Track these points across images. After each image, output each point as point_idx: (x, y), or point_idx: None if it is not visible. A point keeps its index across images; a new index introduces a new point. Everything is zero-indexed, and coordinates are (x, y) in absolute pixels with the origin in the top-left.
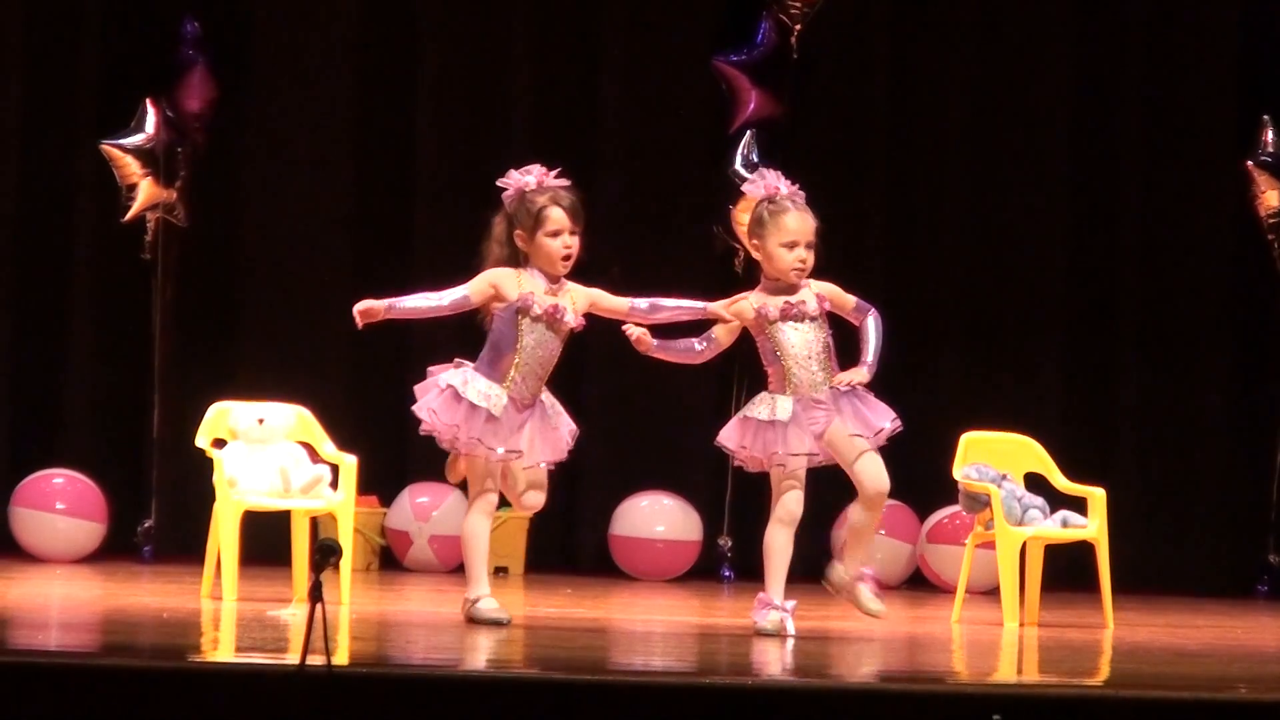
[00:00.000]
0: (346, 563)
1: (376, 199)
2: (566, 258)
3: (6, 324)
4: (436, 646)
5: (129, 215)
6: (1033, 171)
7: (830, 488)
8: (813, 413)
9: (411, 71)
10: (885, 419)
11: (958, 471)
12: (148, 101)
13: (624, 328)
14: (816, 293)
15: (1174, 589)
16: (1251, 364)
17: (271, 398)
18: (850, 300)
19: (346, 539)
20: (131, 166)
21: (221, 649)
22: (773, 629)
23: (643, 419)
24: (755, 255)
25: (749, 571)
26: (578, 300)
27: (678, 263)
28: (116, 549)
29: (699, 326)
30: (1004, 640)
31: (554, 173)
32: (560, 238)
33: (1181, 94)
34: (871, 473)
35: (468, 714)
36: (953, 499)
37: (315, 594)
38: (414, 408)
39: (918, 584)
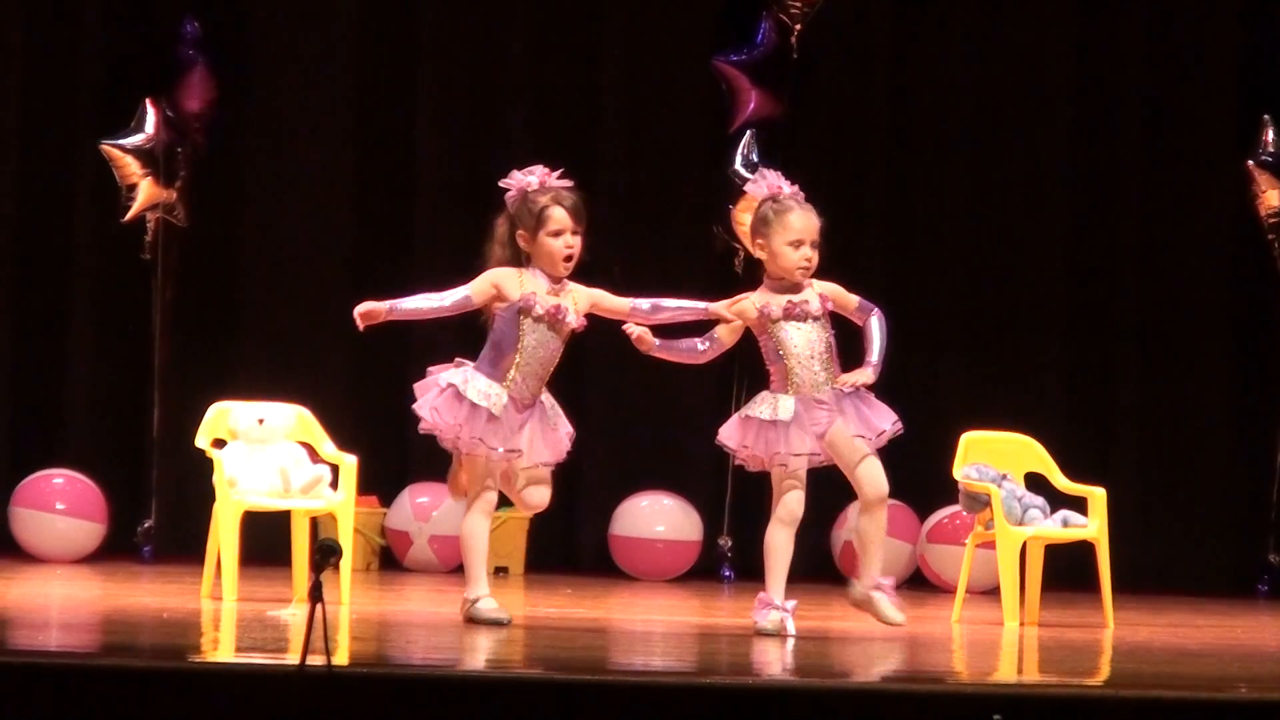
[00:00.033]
0: (346, 563)
1: (376, 199)
2: (568, 258)
3: (6, 324)
4: (436, 646)
5: (129, 215)
6: (1033, 171)
7: (831, 488)
8: (815, 413)
9: (411, 71)
10: (886, 421)
11: (958, 471)
12: (148, 101)
13: (624, 327)
14: (819, 292)
15: (1174, 589)
16: (1251, 364)
17: (271, 398)
18: (853, 300)
19: (346, 539)
20: (131, 166)
21: (221, 649)
22: (773, 629)
23: (643, 419)
24: (759, 254)
25: (749, 571)
26: (579, 300)
27: (678, 263)
28: (116, 549)
29: (701, 326)
30: (1004, 640)
31: (557, 173)
32: (562, 237)
33: (1181, 94)
34: (871, 477)
35: (468, 714)
36: (953, 499)
37: (315, 594)
38: (415, 406)
39: (918, 584)
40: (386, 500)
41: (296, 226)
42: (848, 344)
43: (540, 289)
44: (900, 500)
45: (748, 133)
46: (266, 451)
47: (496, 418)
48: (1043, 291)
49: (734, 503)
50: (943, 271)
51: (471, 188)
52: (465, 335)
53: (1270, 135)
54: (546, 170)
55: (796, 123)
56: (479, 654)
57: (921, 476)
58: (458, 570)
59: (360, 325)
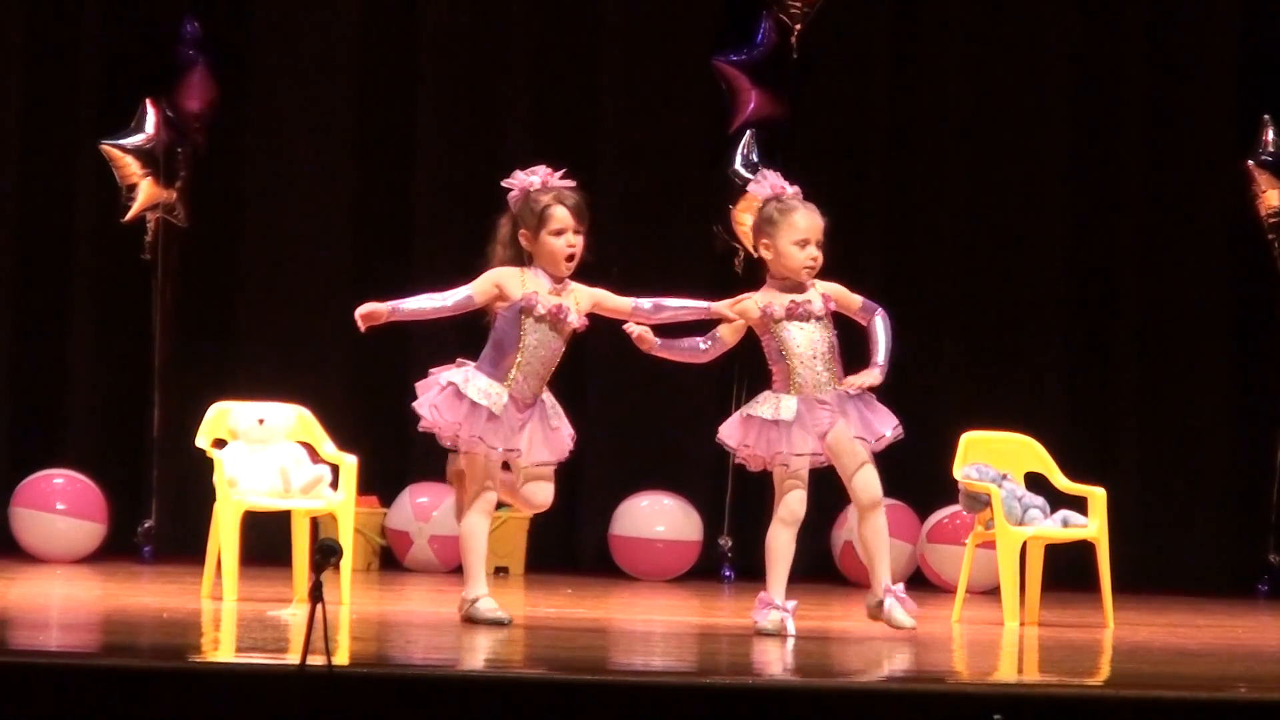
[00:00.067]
0: (346, 563)
1: (376, 199)
2: (570, 257)
3: (6, 324)
4: (436, 646)
5: (129, 215)
6: (1033, 171)
7: (831, 489)
8: (817, 413)
9: (411, 72)
10: (887, 426)
11: (958, 471)
12: (148, 101)
13: (625, 326)
14: (822, 292)
15: (1174, 589)
16: (1251, 364)
17: (271, 398)
18: (856, 300)
19: (347, 539)
20: (131, 167)
21: (222, 649)
22: (773, 629)
23: (643, 419)
24: (763, 254)
25: (749, 571)
26: (581, 300)
27: (678, 263)
28: (116, 549)
29: (703, 326)
30: (1004, 640)
31: (559, 174)
32: (564, 237)
33: (1181, 94)
34: (866, 483)
35: (468, 714)
36: (953, 499)
37: (315, 594)
38: (415, 404)
39: (918, 584)
40: (387, 500)
41: (296, 226)
42: (849, 344)
43: (542, 288)
44: (900, 500)
45: (748, 133)
46: (267, 451)
47: (496, 417)
48: (1043, 291)
49: (734, 503)
50: (943, 271)
51: (471, 188)
52: (466, 335)
53: (1270, 135)
54: (549, 170)
55: (796, 123)
56: (479, 654)
57: (921, 476)
58: (458, 570)
59: (362, 326)
